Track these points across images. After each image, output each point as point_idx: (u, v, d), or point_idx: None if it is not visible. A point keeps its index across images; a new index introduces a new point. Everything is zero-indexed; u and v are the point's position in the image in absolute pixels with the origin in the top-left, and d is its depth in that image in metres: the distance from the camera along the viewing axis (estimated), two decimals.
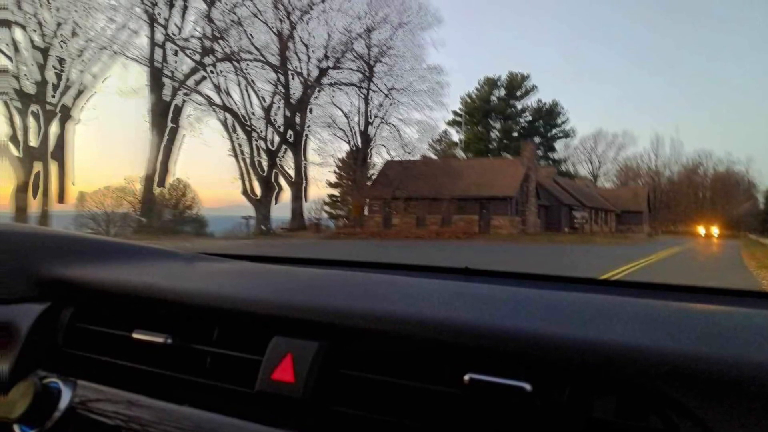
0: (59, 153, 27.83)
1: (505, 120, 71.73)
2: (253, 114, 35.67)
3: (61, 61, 27.79)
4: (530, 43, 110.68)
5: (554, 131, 73.69)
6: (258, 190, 35.45)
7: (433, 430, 0.75)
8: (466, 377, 0.72)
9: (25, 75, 26.68)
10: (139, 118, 31.56)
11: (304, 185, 37.08)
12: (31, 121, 26.92)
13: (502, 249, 24.74)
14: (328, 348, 0.82)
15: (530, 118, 72.70)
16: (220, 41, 33.49)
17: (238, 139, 35.33)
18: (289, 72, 36.60)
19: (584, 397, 0.69)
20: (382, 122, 40.37)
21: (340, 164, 43.35)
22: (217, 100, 34.04)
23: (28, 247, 1.16)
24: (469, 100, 71.28)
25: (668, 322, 0.75)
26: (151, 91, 31.35)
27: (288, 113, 36.48)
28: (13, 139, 26.55)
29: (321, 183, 53.20)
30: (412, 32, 40.25)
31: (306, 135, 37.54)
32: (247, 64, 34.71)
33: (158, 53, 31.66)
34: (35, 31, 26.91)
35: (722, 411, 0.60)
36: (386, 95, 39.88)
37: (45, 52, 27.05)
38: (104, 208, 29.05)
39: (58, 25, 27.50)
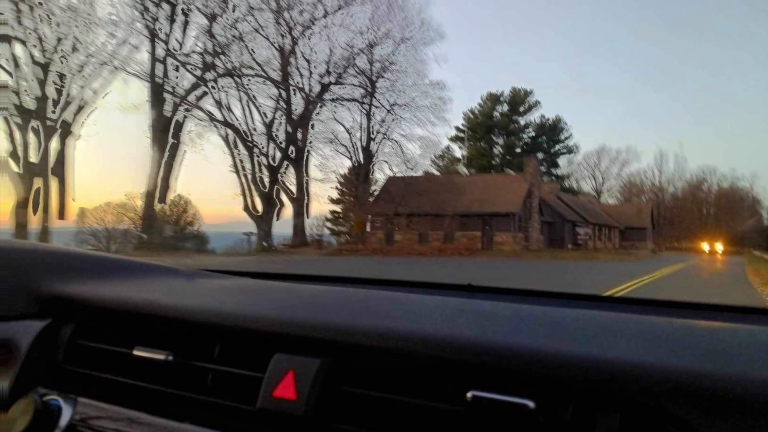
0: (59, 169, 27.78)
1: (508, 136, 71.89)
2: (255, 130, 35.84)
3: (61, 76, 27.77)
4: (533, 58, 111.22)
5: (557, 147, 73.85)
6: (259, 206, 35.50)
7: None
8: (469, 394, 0.72)
9: (26, 90, 26.69)
10: (140, 133, 31.61)
11: (305, 201, 37.08)
12: (32, 137, 26.91)
13: (505, 265, 24.70)
14: (330, 365, 0.82)
15: (533, 133, 72.91)
16: (222, 56, 33.63)
17: (239, 154, 35.44)
18: (291, 87, 36.71)
19: (588, 415, 0.69)
20: (384, 138, 40.51)
21: (342, 180, 43.44)
22: (219, 116, 34.18)
23: (29, 264, 1.16)
24: (471, 116, 71.55)
25: (672, 339, 0.75)
26: (152, 106, 31.36)
27: (290, 129, 36.57)
28: (14, 155, 26.52)
29: (323, 199, 53.14)
30: (414, 47, 40.50)
31: (308, 151, 37.61)
32: (249, 80, 34.85)
33: (159, 68, 31.69)
34: (35, 46, 26.92)
35: (726, 429, 0.59)
36: (388, 111, 40.03)
37: (45, 67, 27.04)
38: (105, 225, 29.16)
39: (59, 40, 27.53)
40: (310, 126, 37.65)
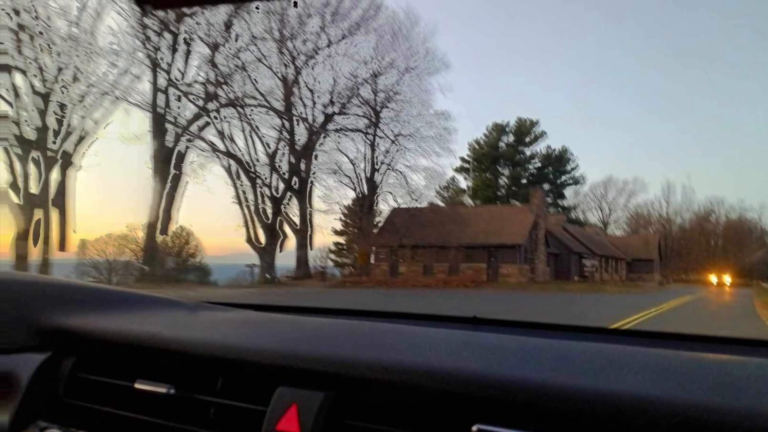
0: (60, 200, 27.46)
1: (514, 166, 72.03)
2: (258, 160, 35.73)
3: (62, 106, 27.55)
4: (539, 88, 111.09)
5: (564, 178, 73.86)
6: (262, 238, 35.31)
7: None
8: (474, 428, 0.71)
9: (26, 121, 26.40)
10: (142, 164, 31.39)
11: (309, 233, 36.94)
12: (32, 168, 26.60)
13: (511, 298, 24.61)
14: (333, 398, 0.81)
15: (539, 164, 72.97)
16: (224, 86, 33.63)
17: (242, 186, 35.33)
18: (294, 118, 36.63)
19: None
20: (388, 169, 40.50)
21: (346, 211, 43.37)
22: (221, 147, 34.11)
23: (29, 296, 1.16)
24: (477, 147, 71.77)
25: (679, 372, 0.74)
26: (153, 137, 31.16)
27: (293, 160, 36.56)
28: (14, 186, 26.25)
29: (326, 230, 53.18)
30: (419, 77, 40.49)
31: (311, 182, 37.50)
32: (252, 110, 34.79)
33: (161, 98, 31.51)
34: (36, 76, 26.71)
35: None
36: (393, 141, 40.04)
37: (46, 97, 26.86)
38: (106, 256, 29.05)
39: (60, 70, 27.37)
40: (313, 156, 37.62)
